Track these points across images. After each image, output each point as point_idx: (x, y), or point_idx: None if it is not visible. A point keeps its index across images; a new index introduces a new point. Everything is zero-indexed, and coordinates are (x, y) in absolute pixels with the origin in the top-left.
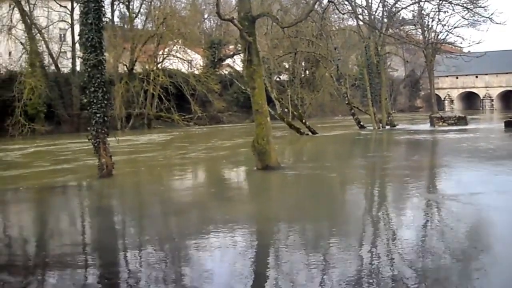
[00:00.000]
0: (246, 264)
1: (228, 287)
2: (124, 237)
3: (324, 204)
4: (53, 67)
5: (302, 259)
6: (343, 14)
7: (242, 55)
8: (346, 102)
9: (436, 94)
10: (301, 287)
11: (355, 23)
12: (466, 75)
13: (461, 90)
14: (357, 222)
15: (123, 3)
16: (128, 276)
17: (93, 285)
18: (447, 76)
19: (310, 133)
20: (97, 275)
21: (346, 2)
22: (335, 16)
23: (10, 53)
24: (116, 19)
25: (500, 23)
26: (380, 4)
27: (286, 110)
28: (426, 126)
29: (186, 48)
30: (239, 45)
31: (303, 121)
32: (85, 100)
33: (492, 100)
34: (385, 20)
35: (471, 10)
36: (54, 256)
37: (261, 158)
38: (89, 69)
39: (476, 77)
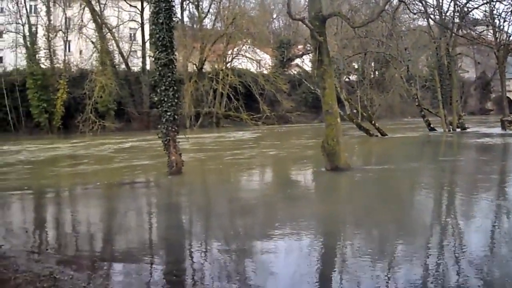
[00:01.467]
0: (311, 265)
1: (292, 287)
2: (191, 235)
3: (393, 207)
4: (123, 66)
5: (367, 263)
6: (414, 14)
7: (311, 55)
8: (416, 104)
9: (507, 97)
10: None
11: (426, 23)
12: None
13: None
14: (425, 227)
15: (192, 3)
16: (195, 273)
17: (161, 281)
18: None
19: (379, 135)
20: (164, 271)
21: (417, 2)
22: (406, 16)
23: (81, 51)
24: (185, 19)
25: None
26: (452, 4)
27: (355, 111)
28: (497, 130)
29: (255, 48)
30: (308, 45)
31: (373, 122)
32: (156, 99)
33: None
34: (457, 20)
35: None
36: (122, 252)
37: (330, 159)
38: (160, 68)
39: None
